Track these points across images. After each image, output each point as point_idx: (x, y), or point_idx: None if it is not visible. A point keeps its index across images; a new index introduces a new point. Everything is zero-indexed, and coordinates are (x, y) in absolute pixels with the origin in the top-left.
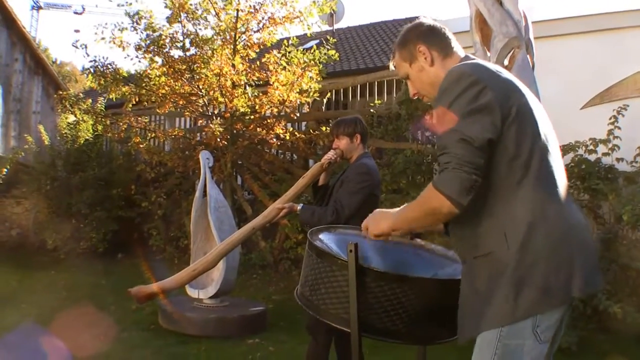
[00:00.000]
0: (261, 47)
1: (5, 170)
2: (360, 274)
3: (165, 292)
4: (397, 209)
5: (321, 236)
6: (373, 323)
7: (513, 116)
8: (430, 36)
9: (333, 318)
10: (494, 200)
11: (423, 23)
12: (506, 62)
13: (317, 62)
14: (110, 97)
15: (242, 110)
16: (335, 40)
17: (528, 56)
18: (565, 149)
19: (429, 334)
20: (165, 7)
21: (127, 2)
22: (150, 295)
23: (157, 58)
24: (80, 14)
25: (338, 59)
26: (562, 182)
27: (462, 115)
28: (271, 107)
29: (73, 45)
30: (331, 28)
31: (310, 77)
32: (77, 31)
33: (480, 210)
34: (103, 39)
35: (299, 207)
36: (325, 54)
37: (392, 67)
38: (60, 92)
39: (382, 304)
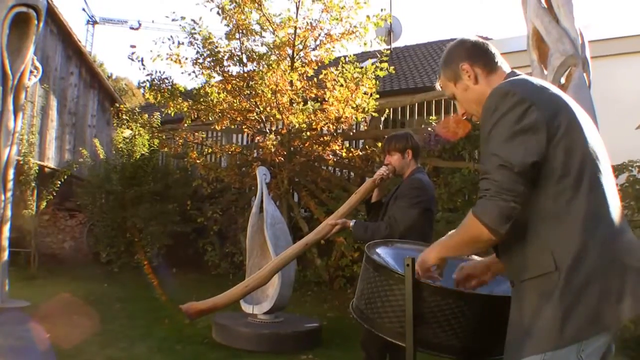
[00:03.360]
0: (319, 64)
1: (60, 183)
2: (417, 288)
3: (217, 309)
4: (444, 237)
5: (378, 250)
6: (428, 338)
7: (561, 133)
8: (473, 53)
9: (388, 332)
10: (543, 221)
11: (465, 41)
12: (563, 80)
13: (371, 75)
14: (169, 112)
15: (298, 126)
16: (389, 51)
17: (585, 74)
18: (620, 169)
19: (482, 350)
20: (222, 23)
21: (181, 17)
22: (201, 311)
23: (214, 73)
24: (137, 29)
25: (394, 71)
26: (614, 201)
27: (506, 138)
28: (327, 123)
29: (129, 58)
30: (389, 47)
31: (365, 92)
32: (133, 46)
33: (528, 232)
34: (159, 56)
35: (351, 222)
36: (379, 67)
37: (438, 87)
38: (117, 105)
39: (438, 319)
